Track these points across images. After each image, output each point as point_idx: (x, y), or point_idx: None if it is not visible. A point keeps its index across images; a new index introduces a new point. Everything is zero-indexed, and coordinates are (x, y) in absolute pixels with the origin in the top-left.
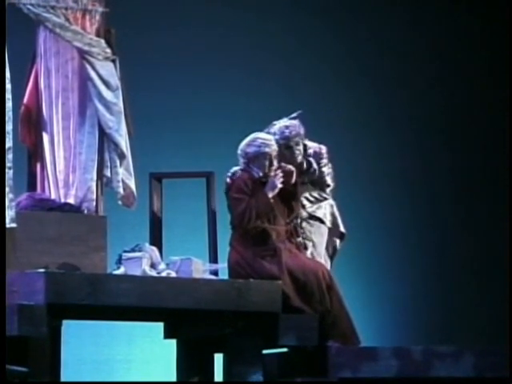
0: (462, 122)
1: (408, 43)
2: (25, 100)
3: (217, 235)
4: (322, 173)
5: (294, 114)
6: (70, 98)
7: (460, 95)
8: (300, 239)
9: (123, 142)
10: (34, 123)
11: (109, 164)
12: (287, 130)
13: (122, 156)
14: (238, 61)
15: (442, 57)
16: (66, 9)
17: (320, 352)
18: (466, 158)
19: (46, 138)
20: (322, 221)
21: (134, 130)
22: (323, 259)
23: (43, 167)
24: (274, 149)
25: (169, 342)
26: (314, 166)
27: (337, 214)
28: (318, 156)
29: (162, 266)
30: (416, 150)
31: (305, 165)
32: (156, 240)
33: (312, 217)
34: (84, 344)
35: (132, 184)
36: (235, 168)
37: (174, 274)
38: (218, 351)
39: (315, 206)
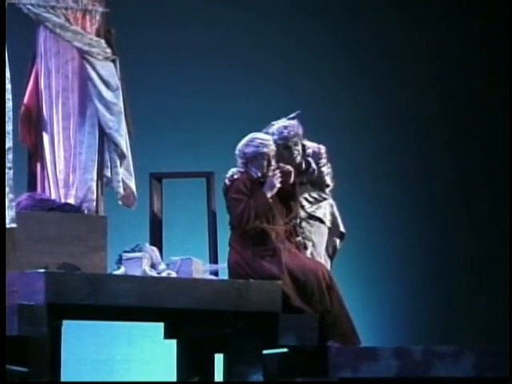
0: (462, 122)
1: (408, 43)
2: (25, 100)
3: (217, 235)
4: (321, 173)
5: (292, 115)
6: (70, 98)
7: (460, 95)
8: (299, 239)
9: (123, 142)
10: (34, 123)
11: (109, 164)
12: (286, 131)
13: (122, 156)
14: (238, 61)
15: (442, 57)
16: (66, 9)
17: (320, 352)
18: (466, 157)
19: (46, 138)
20: (321, 221)
21: (134, 130)
22: (323, 259)
23: (43, 167)
24: (272, 149)
25: (169, 342)
26: (313, 166)
27: (337, 213)
28: (316, 156)
29: (162, 266)
30: (416, 150)
31: (303, 165)
32: (156, 240)
33: (312, 217)
34: (84, 344)
35: (132, 184)
36: (233, 169)
37: (174, 274)
38: (218, 351)
39: (315, 207)
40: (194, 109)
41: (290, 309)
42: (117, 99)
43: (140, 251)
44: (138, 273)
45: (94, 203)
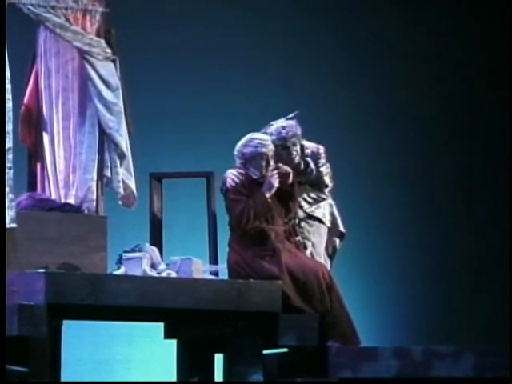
0: (462, 122)
1: (408, 43)
2: (25, 100)
3: (217, 235)
4: (319, 173)
5: (291, 115)
6: (70, 98)
7: (460, 95)
8: (299, 238)
9: (123, 142)
10: (34, 123)
11: (109, 164)
12: (284, 131)
13: (122, 156)
14: (238, 61)
15: (442, 57)
16: (66, 9)
17: (320, 352)
18: (466, 157)
19: (46, 138)
20: (321, 221)
21: (134, 130)
22: (323, 259)
23: (43, 167)
24: (270, 149)
25: (169, 342)
26: (312, 166)
27: (336, 213)
28: (315, 156)
29: (162, 266)
30: (416, 150)
31: (302, 165)
32: (156, 240)
33: (311, 217)
34: (84, 344)
35: (132, 184)
36: (231, 170)
37: (174, 274)
38: (218, 351)
39: (314, 207)
40: (193, 109)
41: (290, 309)
42: (117, 99)
43: (140, 251)
44: (138, 273)
45: (94, 203)
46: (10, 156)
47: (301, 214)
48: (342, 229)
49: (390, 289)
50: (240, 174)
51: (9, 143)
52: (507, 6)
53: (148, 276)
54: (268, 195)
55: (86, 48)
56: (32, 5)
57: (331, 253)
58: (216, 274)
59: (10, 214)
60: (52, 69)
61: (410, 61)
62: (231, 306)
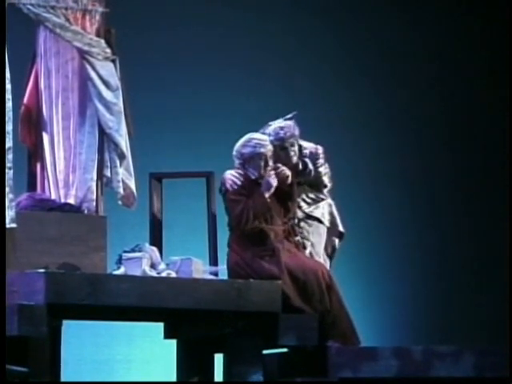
0: (462, 122)
1: (408, 43)
2: (25, 100)
3: (217, 235)
4: (318, 173)
5: (289, 115)
6: (70, 98)
7: (460, 95)
8: (298, 238)
9: (123, 141)
10: (34, 123)
11: (109, 164)
12: (282, 132)
13: (122, 156)
14: (238, 61)
15: (442, 57)
16: (66, 9)
17: (320, 352)
18: (466, 157)
19: (46, 138)
20: (320, 220)
21: (134, 130)
22: (322, 259)
23: (43, 167)
24: (269, 149)
25: (169, 342)
26: (310, 166)
27: (335, 213)
28: (314, 156)
29: (162, 266)
30: (416, 150)
31: (300, 165)
32: (156, 240)
33: (310, 217)
34: (84, 344)
35: (132, 184)
36: (230, 170)
37: (174, 274)
38: (218, 351)
39: (313, 207)
40: (193, 109)
41: (290, 309)
42: (117, 99)
43: (140, 251)
44: (137, 273)
45: (94, 203)
46: (9, 156)
47: (300, 214)
48: (341, 228)
49: (389, 289)
50: (239, 174)
51: (9, 143)
52: (507, 6)
53: (148, 276)
54: (267, 195)
55: (86, 48)
56: (32, 5)
57: (330, 252)
58: (216, 274)
59: (9, 213)
60: (52, 69)
61: (409, 61)
62: (231, 306)
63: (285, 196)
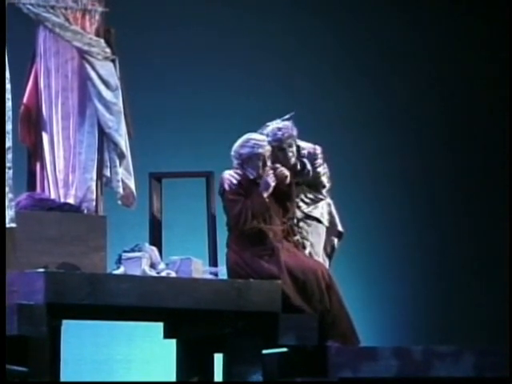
0: (462, 122)
1: (408, 43)
2: (24, 100)
3: (216, 235)
4: (316, 173)
5: (286, 116)
6: (70, 97)
7: (460, 95)
8: (297, 238)
9: (123, 141)
10: (33, 123)
11: (108, 164)
12: (280, 132)
13: (121, 156)
14: (238, 61)
15: (442, 57)
16: (66, 8)
17: (320, 352)
18: (466, 157)
19: (45, 137)
20: (319, 220)
21: (134, 130)
22: (321, 258)
23: (43, 167)
24: (267, 149)
25: (169, 342)
26: (308, 166)
27: (334, 213)
28: (312, 157)
29: (161, 265)
30: (416, 150)
31: (299, 166)
32: (156, 240)
33: (309, 217)
34: (84, 344)
35: (132, 184)
36: (229, 171)
37: (173, 274)
38: (218, 351)
39: (311, 207)
40: (193, 109)
41: (289, 308)
42: (116, 99)
43: (139, 251)
44: (137, 272)
45: (94, 203)
46: (9, 156)
47: (299, 214)
48: (340, 228)
49: (389, 289)
50: (237, 174)
51: (8, 143)
52: (507, 6)
53: (147, 276)
54: (265, 195)
55: (86, 48)
56: (31, 4)
57: (330, 252)
58: (215, 275)
59: (9, 213)
60: (51, 68)
61: (409, 61)
62: (231, 305)
63: (283, 196)
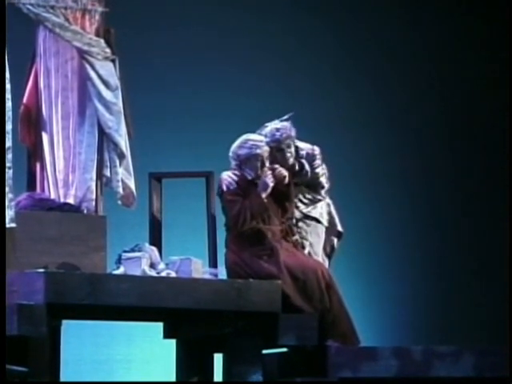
0: (462, 122)
1: (408, 43)
2: (24, 100)
3: (216, 235)
4: (315, 174)
5: (285, 117)
6: (70, 97)
7: (460, 95)
8: (296, 237)
9: (123, 141)
10: (33, 123)
11: (108, 164)
12: (278, 133)
13: (121, 156)
14: (238, 61)
15: (442, 57)
16: (66, 8)
17: (320, 352)
18: (466, 157)
19: (45, 137)
20: (318, 220)
21: (134, 130)
22: (321, 258)
23: (43, 167)
24: (265, 150)
25: (169, 342)
26: (307, 167)
27: (334, 212)
28: (310, 158)
29: (161, 265)
30: (416, 150)
31: (297, 167)
32: (155, 240)
33: (308, 217)
34: (84, 344)
35: (131, 184)
36: (227, 171)
37: (173, 274)
38: (218, 351)
39: (310, 207)
40: (193, 109)
41: (290, 308)
42: (116, 99)
43: (139, 251)
44: (137, 272)
45: (94, 203)
46: (9, 155)
47: (298, 214)
48: (339, 228)
49: (389, 289)
50: (235, 175)
51: (8, 143)
52: (507, 6)
53: (147, 276)
54: (264, 195)
55: (86, 48)
56: (31, 4)
57: (329, 252)
58: (215, 276)
59: (9, 213)
60: (51, 68)
61: (409, 61)
62: (231, 305)
63: (282, 196)
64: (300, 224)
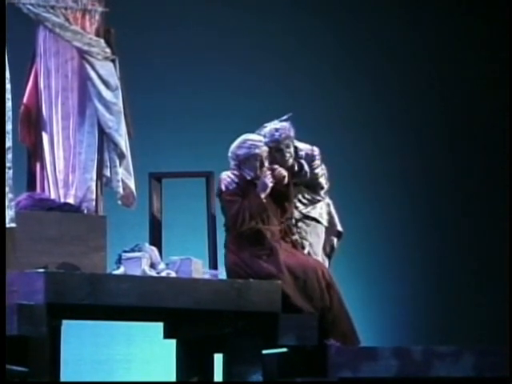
0: (462, 122)
1: (408, 43)
2: (24, 100)
3: (216, 235)
4: (314, 174)
5: (284, 117)
6: (70, 97)
7: (460, 95)
8: (296, 237)
9: (123, 141)
10: (33, 123)
11: (108, 164)
12: (277, 133)
13: (121, 156)
14: (238, 61)
15: (442, 57)
16: (66, 8)
17: (320, 352)
18: (466, 157)
19: (45, 137)
20: (317, 220)
21: (134, 130)
22: (321, 258)
23: (43, 167)
24: (264, 150)
25: (169, 342)
26: (306, 168)
27: (333, 212)
28: (309, 158)
29: (161, 265)
30: (416, 150)
31: (296, 167)
32: (156, 240)
33: (307, 217)
34: (84, 344)
35: (132, 184)
36: (226, 172)
37: (173, 274)
38: (218, 351)
39: (310, 208)
40: (193, 109)
41: (290, 307)
42: (116, 99)
43: (139, 251)
44: (137, 272)
45: (94, 203)
46: (9, 156)
47: (297, 214)
48: (339, 228)
49: (389, 289)
50: (234, 175)
51: (8, 143)
52: (507, 6)
53: (147, 276)
54: (263, 195)
55: (86, 48)
56: (31, 4)
57: (329, 252)
58: (215, 276)
59: (9, 213)
60: (51, 68)
61: (409, 61)
62: (231, 306)
63: (281, 196)
64: (300, 224)
